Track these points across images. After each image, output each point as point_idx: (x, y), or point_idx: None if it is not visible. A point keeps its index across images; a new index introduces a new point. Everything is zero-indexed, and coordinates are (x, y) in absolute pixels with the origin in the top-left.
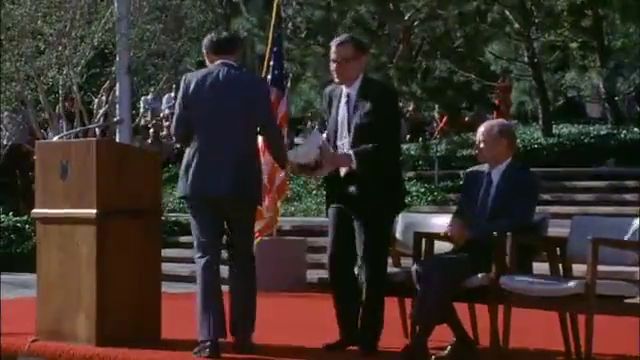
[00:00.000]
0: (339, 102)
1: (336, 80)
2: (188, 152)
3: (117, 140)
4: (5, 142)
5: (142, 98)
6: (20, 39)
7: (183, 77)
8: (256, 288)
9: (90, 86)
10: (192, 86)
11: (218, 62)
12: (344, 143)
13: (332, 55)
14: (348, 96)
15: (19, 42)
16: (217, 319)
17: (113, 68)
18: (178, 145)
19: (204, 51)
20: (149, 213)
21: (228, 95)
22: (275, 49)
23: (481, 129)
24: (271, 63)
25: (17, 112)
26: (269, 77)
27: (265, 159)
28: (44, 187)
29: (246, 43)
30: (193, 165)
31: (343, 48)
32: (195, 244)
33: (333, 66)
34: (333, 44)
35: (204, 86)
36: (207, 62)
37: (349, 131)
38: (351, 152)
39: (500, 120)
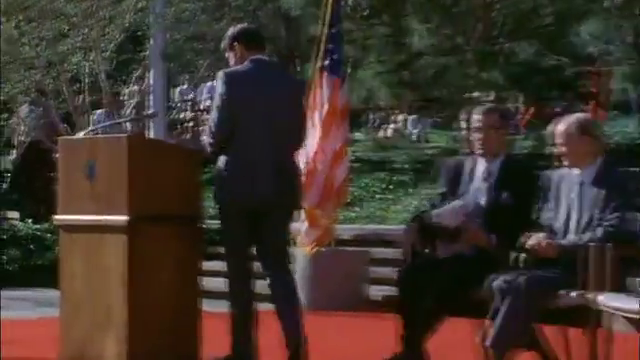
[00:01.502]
0: (472, 177)
1: (478, 151)
2: (227, 155)
3: (151, 136)
4: (23, 138)
5: (179, 87)
6: (40, 20)
7: (221, 74)
8: (300, 303)
9: (120, 74)
10: (236, 84)
11: (254, 58)
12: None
13: (475, 123)
14: (488, 172)
15: (39, 24)
16: (245, 340)
17: (146, 53)
18: (210, 149)
19: (229, 42)
20: (188, 220)
21: (274, 96)
22: (332, 30)
23: (558, 131)
24: (328, 46)
25: (36, 104)
26: (325, 63)
27: (322, 158)
28: (68, 190)
29: (298, 23)
30: (235, 170)
31: (490, 116)
32: (227, 257)
33: (477, 135)
34: (477, 112)
35: (249, 85)
36: (231, 55)
37: (487, 212)
38: (493, 235)
39: (578, 115)
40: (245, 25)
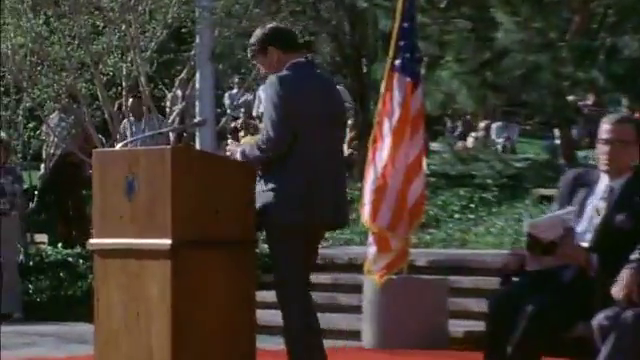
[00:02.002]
0: (591, 192)
1: (603, 167)
2: (286, 170)
3: (198, 147)
4: (53, 150)
5: (228, 92)
6: (72, 16)
7: (275, 78)
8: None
9: (162, 77)
10: (293, 92)
11: (297, 62)
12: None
13: (603, 134)
14: (610, 190)
15: (71, 20)
16: None
17: (192, 53)
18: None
19: (260, 46)
20: (241, 244)
21: (328, 105)
22: (405, 24)
23: (607, 125)
24: (400, 43)
25: (67, 111)
26: (397, 62)
27: (394, 172)
28: (103, 210)
29: (366, 17)
30: (299, 187)
31: (622, 128)
32: (284, 285)
33: (603, 148)
34: (607, 122)
35: (305, 94)
36: (264, 61)
37: (598, 231)
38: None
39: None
40: (275, 25)
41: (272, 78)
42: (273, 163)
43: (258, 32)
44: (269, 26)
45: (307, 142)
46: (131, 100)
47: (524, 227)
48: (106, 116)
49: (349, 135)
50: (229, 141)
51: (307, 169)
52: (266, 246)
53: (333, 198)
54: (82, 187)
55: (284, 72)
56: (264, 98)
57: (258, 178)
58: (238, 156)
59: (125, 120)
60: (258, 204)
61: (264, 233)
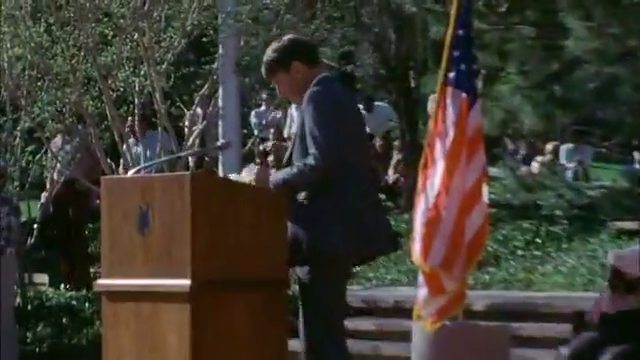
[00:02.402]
0: None
1: None
2: (333, 193)
3: (221, 173)
4: (55, 177)
5: (256, 110)
6: (78, 24)
7: (321, 90)
8: None
9: (180, 93)
10: (339, 105)
11: (325, 78)
12: None
13: None
14: None
15: (76, 28)
16: None
17: (214, 65)
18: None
19: (282, 62)
20: (271, 285)
21: (363, 124)
22: (460, 32)
23: None
24: (454, 53)
25: (72, 132)
26: (451, 75)
27: (448, 202)
28: (113, 245)
29: (414, 23)
30: (350, 210)
31: None
32: (329, 322)
33: None
34: None
35: (345, 107)
36: (285, 79)
37: None
38: None
39: None
40: (294, 36)
41: (315, 91)
42: (319, 187)
43: (277, 46)
44: (289, 38)
45: (353, 163)
46: (130, 120)
47: (608, 259)
48: (116, 138)
49: (395, 158)
50: (254, 165)
51: (355, 193)
52: (297, 287)
53: (383, 223)
54: (89, 219)
55: (321, 87)
56: (306, 114)
57: (298, 206)
58: (272, 181)
59: (130, 140)
60: (300, 234)
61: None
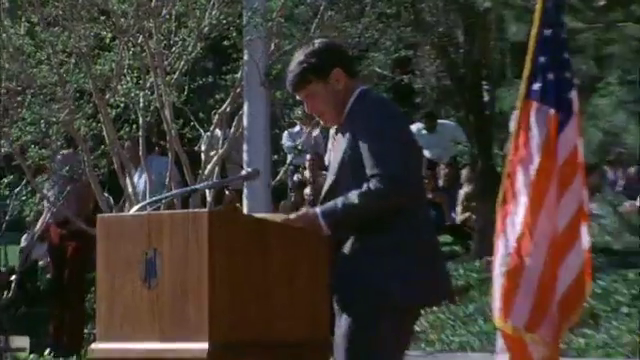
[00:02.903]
0: None
1: None
2: (396, 229)
3: (246, 210)
4: (46, 217)
5: (289, 130)
6: (68, 24)
7: (383, 98)
8: None
9: (195, 109)
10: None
11: (366, 90)
12: None
13: None
14: None
15: (65, 29)
16: None
17: (237, 75)
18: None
19: (321, 69)
20: (309, 347)
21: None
22: (547, 32)
23: None
24: (540, 59)
25: (63, 160)
26: (536, 86)
27: (533, 248)
28: (112, 301)
29: (488, 22)
30: (423, 245)
31: None
32: None
33: None
34: None
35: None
36: (323, 89)
37: None
38: None
39: None
40: (331, 41)
41: (373, 99)
42: (383, 219)
43: (311, 50)
44: (323, 41)
45: (419, 191)
46: (127, 143)
47: None
48: (115, 166)
49: (463, 191)
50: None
51: (427, 226)
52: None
53: (444, 267)
54: (81, 269)
55: (374, 97)
56: (362, 129)
57: (350, 244)
58: (326, 218)
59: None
60: (355, 277)
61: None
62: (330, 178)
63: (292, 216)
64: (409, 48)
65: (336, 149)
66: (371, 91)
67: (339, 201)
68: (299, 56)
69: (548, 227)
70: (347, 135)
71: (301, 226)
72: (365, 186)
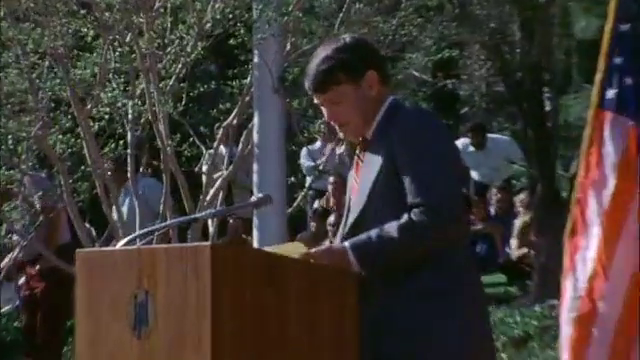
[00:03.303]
0: None
1: None
2: (444, 266)
3: (257, 243)
4: (15, 252)
5: (308, 147)
6: (42, 19)
7: (426, 110)
8: None
9: (195, 122)
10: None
11: (397, 100)
12: None
13: None
14: None
15: (39, 25)
16: None
17: (246, 81)
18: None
19: (354, 68)
20: None
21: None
22: (624, 27)
23: None
24: (615, 60)
25: (34, 183)
26: (610, 93)
27: (609, 288)
28: (94, 354)
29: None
30: (467, 293)
31: None
32: None
33: None
34: None
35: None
36: (353, 92)
37: None
38: None
39: None
40: (363, 38)
41: (411, 110)
42: (420, 259)
43: (341, 45)
44: (354, 37)
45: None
46: (109, 164)
47: None
48: (98, 190)
49: (521, 221)
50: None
51: (467, 267)
52: None
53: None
54: (57, 316)
55: (412, 108)
56: (402, 145)
57: (383, 284)
58: (358, 254)
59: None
60: (402, 328)
61: None
62: (357, 207)
63: (313, 251)
64: (454, 47)
65: (364, 171)
66: (403, 102)
67: (373, 234)
68: (325, 51)
69: (626, 264)
70: (379, 154)
71: (325, 263)
72: (406, 217)
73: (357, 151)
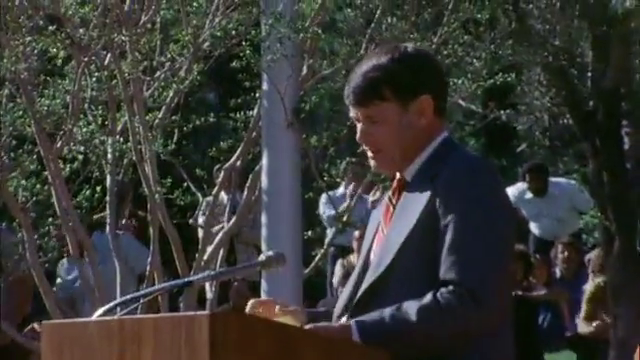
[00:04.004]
0: None
1: None
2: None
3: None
4: None
5: (329, 193)
6: (1, 35)
7: (483, 164)
8: None
9: (190, 163)
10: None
11: (448, 137)
12: None
13: None
14: None
15: None
16: None
17: (252, 114)
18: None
19: (405, 87)
20: None
21: None
22: None
23: None
24: None
25: None
26: None
27: None
28: None
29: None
30: None
31: None
32: None
33: None
34: None
35: None
36: (401, 117)
37: None
38: None
39: None
40: (429, 54)
41: (466, 157)
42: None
43: (398, 54)
44: (422, 51)
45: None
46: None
47: None
48: (69, 248)
49: (593, 284)
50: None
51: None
52: None
53: None
54: None
55: (470, 156)
56: (449, 201)
57: None
58: (355, 332)
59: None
60: None
61: None
62: (379, 267)
63: (309, 327)
64: (509, 70)
65: (395, 221)
66: (457, 142)
67: (387, 314)
68: (377, 57)
69: None
70: (418, 204)
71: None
72: (430, 297)
73: (389, 193)
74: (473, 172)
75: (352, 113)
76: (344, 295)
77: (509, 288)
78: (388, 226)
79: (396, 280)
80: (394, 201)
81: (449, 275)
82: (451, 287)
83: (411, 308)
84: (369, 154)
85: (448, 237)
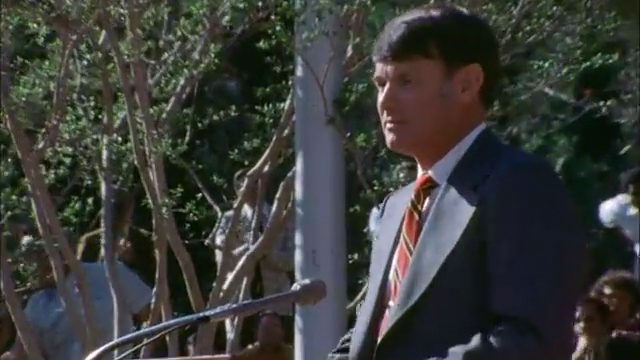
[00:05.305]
0: None
1: None
2: None
3: (299, 355)
4: None
5: (376, 209)
6: None
7: (546, 166)
8: None
9: (205, 168)
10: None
11: (489, 130)
12: None
13: None
14: None
15: None
16: None
17: (282, 105)
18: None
19: (453, 52)
20: None
21: None
22: None
23: None
24: None
25: None
26: None
27: None
28: None
29: None
30: None
31: None
32: None
33: None
34: None
35: None
36: (432, 81)
37: None
38: None
39: None
40: (485, 22)
41: (528, 163)
42: None
43: (453, 13)
44: (478, 16)
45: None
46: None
47: None
48: (55, 275)
49: None
50: None
51: None
52: None
53: None
54: None
55: (526, 155)
56: (504, 215)
57: None
58: None
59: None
60: None
61: None
62: (408, 298)
63: None
64: (610, 50)
65: (426, 237)
66: (495, 137)
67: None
68: (427, 9)
69: None
70: (459, 215)
71: None
72: (478, 340)
73: (412, 196)
74: (533, 178)
75: (378, 71)
76: (357, 337)
77: (573, 325)
78: (416, 241)
79: (433, 312)
80: (419, 207)
81: (505, 309)
82: (509, 325)
83: (457, 356)
84: (388, 125)
85: (502, 260)
